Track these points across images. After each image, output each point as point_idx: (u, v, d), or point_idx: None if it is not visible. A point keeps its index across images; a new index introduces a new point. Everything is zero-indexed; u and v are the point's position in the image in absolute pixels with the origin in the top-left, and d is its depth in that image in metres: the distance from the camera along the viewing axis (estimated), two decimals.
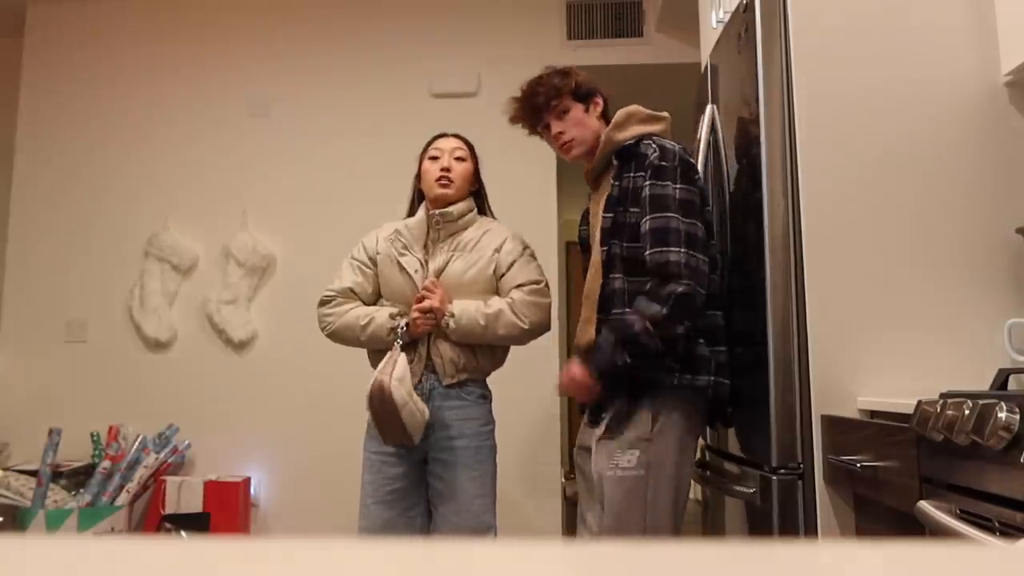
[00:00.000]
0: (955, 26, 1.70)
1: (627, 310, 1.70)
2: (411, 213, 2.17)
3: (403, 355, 1.94)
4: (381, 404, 1.88)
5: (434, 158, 2.10)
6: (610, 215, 1.79)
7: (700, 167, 1.99)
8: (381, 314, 2.02)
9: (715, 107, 2.08)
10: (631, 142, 1.81)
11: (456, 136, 2.16)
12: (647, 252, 1.70)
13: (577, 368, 1.73)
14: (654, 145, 1.77)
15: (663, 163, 1.74)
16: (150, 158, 3.83)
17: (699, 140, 2.04)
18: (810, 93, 1.69)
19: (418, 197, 2.17)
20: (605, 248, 1.78)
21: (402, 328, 1.97)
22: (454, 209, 2.06)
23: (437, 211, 2.06)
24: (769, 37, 1.75)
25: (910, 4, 1.71)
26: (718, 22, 2.39)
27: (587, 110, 1.89)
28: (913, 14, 1.71)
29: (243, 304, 3.66)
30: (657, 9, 3.76)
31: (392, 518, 1.99)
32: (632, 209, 1.75)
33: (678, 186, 1.72)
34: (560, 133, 1.89)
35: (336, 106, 3.82)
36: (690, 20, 3.32)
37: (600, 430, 1.76)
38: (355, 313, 2.04)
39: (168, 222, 3.74)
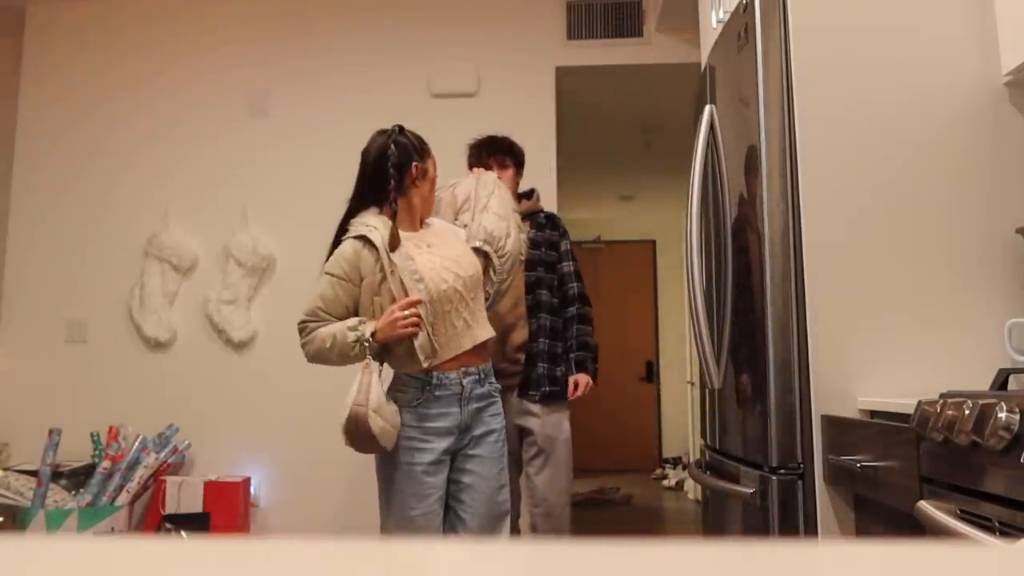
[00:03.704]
0: (955, 26, 1.70)
1: (579, 327, 2.71)
2: (389, 204, 2.04)
3: (375, 375, 1.88)
4: (357, 429, 1.87)
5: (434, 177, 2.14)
6: (537, 252, 2.65)
7: (699, 167, 2.01)
8: (341, 330, 1.93)
9: (714, 107, 2.08)
10: (549, 212, 2.91)
11: None
12: (575, 284, 2.74)
13: (584, 378, 2.66)
14: (559, 217, 2.91)
15: (565, 228, 2.85)
16: (150, 158, 3.84)
17: (698, 140, 2.04)
18: (810, 93, 1.69)
19: (397, 188, 2.04)
20: (534, 273, 2.65)
21: (367, 340, 1.89)
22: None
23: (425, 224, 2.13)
24: (769, 37, 1.75)
25: (910, 4, 1.72)
26: (718, 22, 2.39)
27: (515, 175, 2.69)
28: (913, 14, 1.71)
29: (243, 304, 3.66)
30: (657, 9, 3.76)
31: (437, 526, 1.97)
32: (550, 252, 2.73)
33: (570, 243, 2.83)
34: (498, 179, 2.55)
35: (336, 106, 3.83)
36: (690, 20, 3.31)
37: (539, 405, 2.58)
38: (321, 336, 1.95)
39: (168, 222, 3.74)
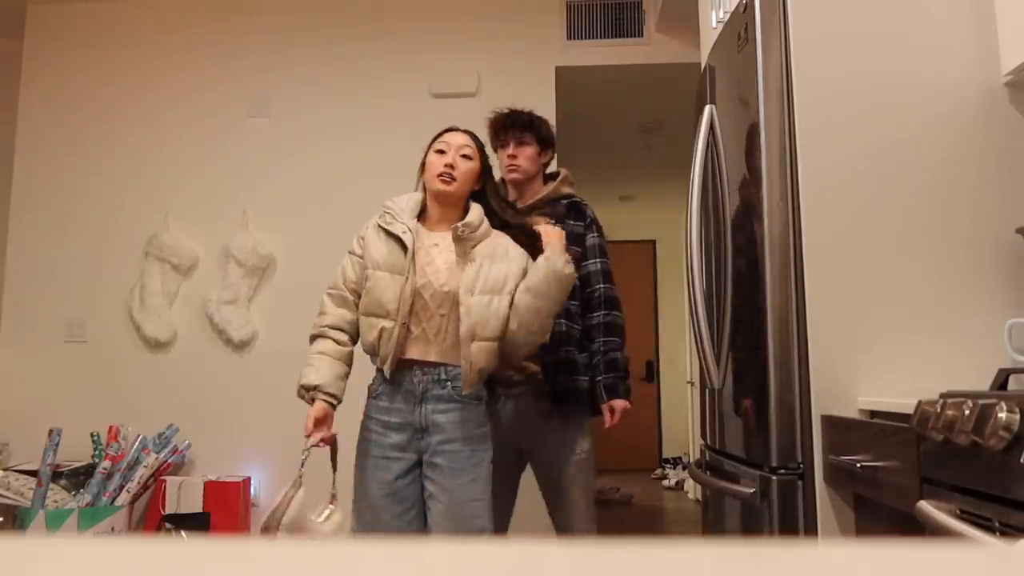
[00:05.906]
0: (955, 26, 1.70)
1: (606, 339, 2.30)
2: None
3: (302, 490, 1.88)
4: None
5: (440, 151, 2.05)
6: None
7: (699, 168, 2.01)
8: (306, 368, 1.99)
9: (714, 107, 2.08)
10: (576, 198, 2.41)
11: (466, 132, 2.12)
12: (601, 285, 2.33)
13: (620, 403, 2.27)
14: (589, 206, 2.40)
15: (596, 220, 2.39)
16: (150, 158, 3.84)
17: (698, 140, 2.04)
18: (810, 93, 1.69)
19: (423, 187, 2.13)
20: None
21: (306, 454, 1.91)
22: (473, 220, 2.03)
23: (460, 224, 2.00)
24: (769, 37, 1.75)
25: (910, 4, 1.71)
26: (718, 22, 2.39)
27: (539, 154, 2.40)
28: (913, 14, 1.71)
29: (243, 304, 3.66)
30: (657, 9, 3.76)
31: (388, 520, 1.95)
32: (572, 247, 2.19)
33: (603, 238, 2.38)
34: (513, 157, 2.37)
35: (336, 106, 3.83)
36: (690, 20, 3.32)
37: (551, 423, 2.26)
38: (312, 350, 2.02)
39: (168, 222, 3.74)
